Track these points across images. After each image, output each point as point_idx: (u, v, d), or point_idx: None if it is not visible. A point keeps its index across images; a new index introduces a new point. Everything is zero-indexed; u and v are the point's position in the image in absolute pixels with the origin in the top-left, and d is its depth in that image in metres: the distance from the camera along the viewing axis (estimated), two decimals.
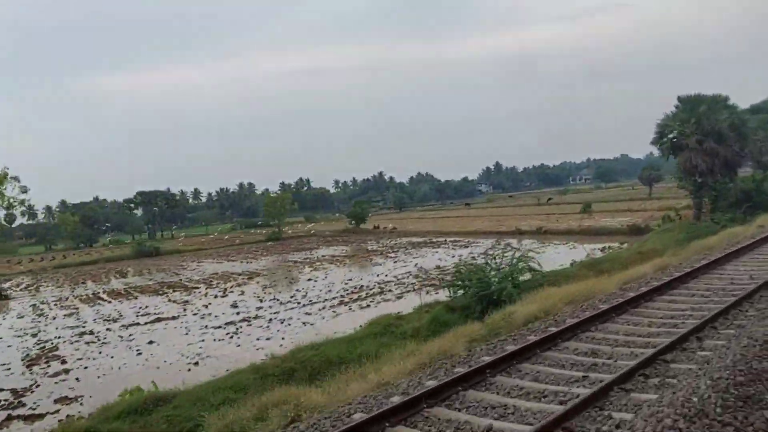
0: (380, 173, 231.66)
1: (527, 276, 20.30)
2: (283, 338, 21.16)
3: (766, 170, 38.38)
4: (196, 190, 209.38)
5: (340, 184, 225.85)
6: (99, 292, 40.87)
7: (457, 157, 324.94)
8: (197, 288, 38.32)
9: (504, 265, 19.76)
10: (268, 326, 23.63)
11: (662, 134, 33.85)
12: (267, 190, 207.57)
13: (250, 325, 24.29)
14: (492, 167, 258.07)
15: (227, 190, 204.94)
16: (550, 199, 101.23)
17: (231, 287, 36.99)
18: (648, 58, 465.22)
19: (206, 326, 24.92)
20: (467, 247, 47.46)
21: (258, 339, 21.55)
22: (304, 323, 23.50)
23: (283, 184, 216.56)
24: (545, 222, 60.02)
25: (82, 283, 49.61)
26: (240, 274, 43.36)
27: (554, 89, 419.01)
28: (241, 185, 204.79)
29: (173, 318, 27.87)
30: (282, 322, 24.10)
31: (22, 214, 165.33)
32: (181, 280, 44.35)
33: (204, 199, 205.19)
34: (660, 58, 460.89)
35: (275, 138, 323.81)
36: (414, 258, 43.36)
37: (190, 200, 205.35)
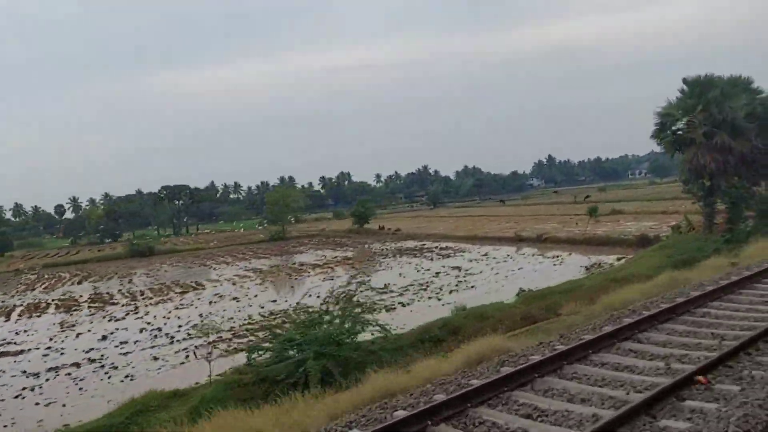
0: (425, 167, 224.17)
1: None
2: (63, 405, 15.66)
3: None
4: (236, 183, 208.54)
5: (382, 179, 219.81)
6: (19, 305, 36.60)
7: (511, 150, 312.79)
8: (116, 303, 33.50)
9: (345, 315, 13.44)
10: (82, 379, 18.09)
11: (663, 126, 26.12)
12: (310, 184, 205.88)
13: (69, 374, 18.83)
14: (544, 160, 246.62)
15: (267, 185, 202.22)
16: (587, 197, 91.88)
17: (149, 304, 31.94)
18: (713, 46, 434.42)
19: (24, 371, 19.75)
20: (450, 257, 40.71)
21: (38, 404, 16.07)
22: (125, 377, 17.84)
23: (323, 178, 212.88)
24: (563, 225, 52.48)
25: (32, 289, 45.94)
26: (182, 286, 38.17)
27: (615, 80, 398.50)
28: (282, 179, 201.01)
29: (18, 353, 22.87)
30: (106, 373, 18.56)
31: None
32: (121, 290, 39.65)
33: (244, 194, 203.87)
34: (726, 46, 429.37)
35: (318, 133, 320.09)
36: (380, 270, 37.11)
37: (232, 194, 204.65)
